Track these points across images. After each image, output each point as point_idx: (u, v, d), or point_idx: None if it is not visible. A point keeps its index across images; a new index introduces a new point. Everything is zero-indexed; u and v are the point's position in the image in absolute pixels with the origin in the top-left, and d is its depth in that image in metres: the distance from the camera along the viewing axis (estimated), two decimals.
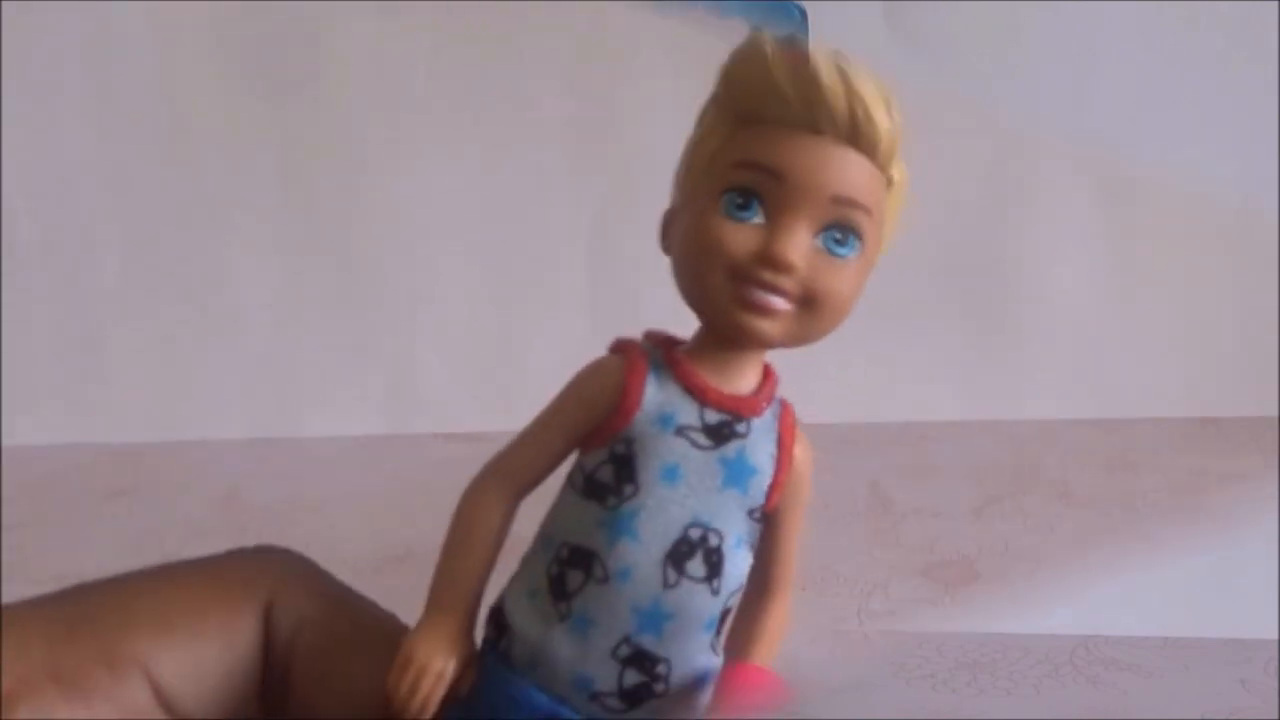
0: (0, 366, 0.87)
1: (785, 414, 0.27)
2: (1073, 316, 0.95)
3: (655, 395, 0.25)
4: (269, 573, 0.27)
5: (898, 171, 0.26)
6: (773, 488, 0.26)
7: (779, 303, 0.25)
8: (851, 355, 0.93)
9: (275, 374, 0.93)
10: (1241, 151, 0.93)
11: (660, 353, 0.26)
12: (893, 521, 0.72)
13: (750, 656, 0.27)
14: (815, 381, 0.92)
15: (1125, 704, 0.51)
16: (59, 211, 0.92)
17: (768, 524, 0.27)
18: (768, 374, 0.27)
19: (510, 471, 0.26)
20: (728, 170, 0.25)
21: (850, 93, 0.24)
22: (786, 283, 0.25)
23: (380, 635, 0.27)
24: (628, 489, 0.25)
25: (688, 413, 0.26)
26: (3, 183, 0.91)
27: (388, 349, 0.93)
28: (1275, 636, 0.56)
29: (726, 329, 0.25)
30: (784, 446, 0.26)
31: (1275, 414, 0.89)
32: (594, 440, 0.26)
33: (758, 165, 0.25)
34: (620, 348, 0.26)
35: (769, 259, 0.24)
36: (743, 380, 0.26)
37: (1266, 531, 0.69)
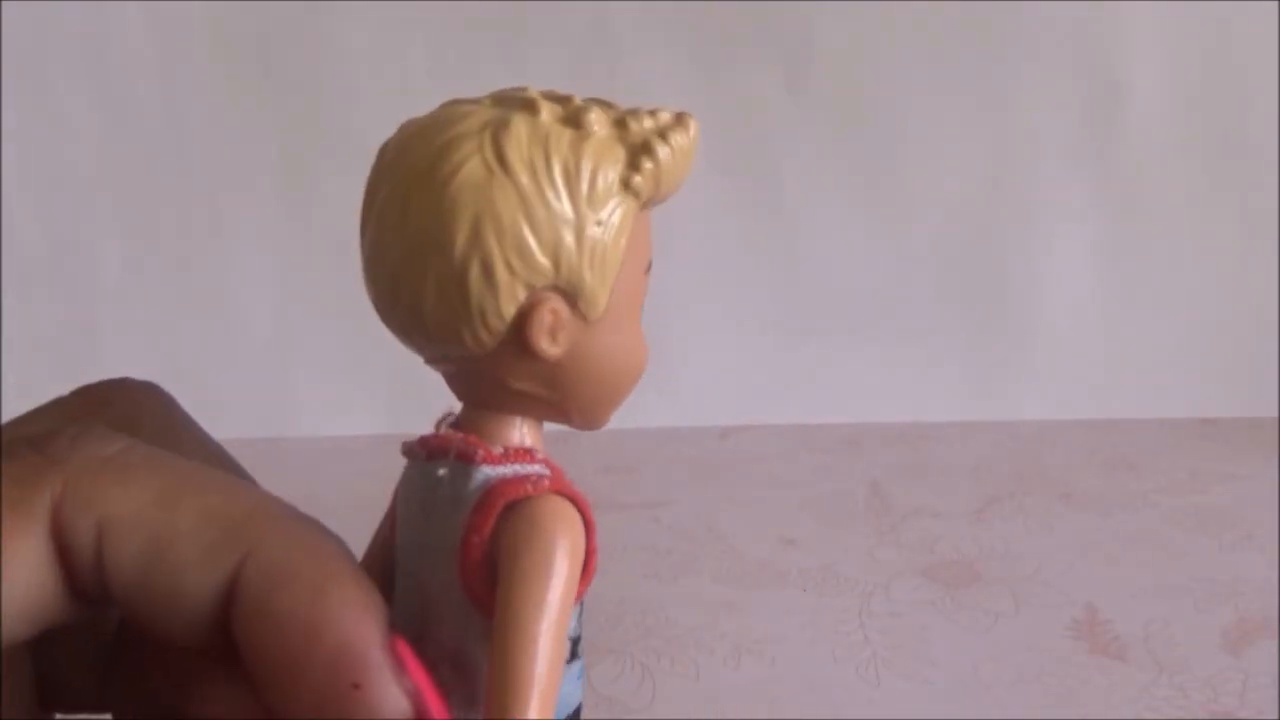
0: (0, 366, 0.87)
1: None
2: (1073, 317, 0.95)
3: None
4: (55, 470, 0.21)
5: None
6: None
7: None
8: (852, 356, 0.93)
9: (275, 374, 0.93)
10: (1240, 151, 0.93)
11: (552, 471, 0.23)
12: (893, 522, 0.72)
13: None
14: (815, 382, 0.92)
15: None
16: (59, 211, 0.92)
17: None
18: None
19: (555, 694, 0.21)
20: (645, 275, 0.23)
21: None
22: None
23: (217, 525, 0.21)
24: (583, 624, 0.23)
25: None
26: (3, 183, 0.91)
27: (388, 349, 0.92)
28: (1274, 632, 0.56)
29: (597, 426, 0.24)
30: None
31: (1275, 414, 0.89)
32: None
33: (650, 263, 0.24)
34: (555, 488, 0.22)
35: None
36: None
37: (1266, 531, 0.69)
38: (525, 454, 0.23)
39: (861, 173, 0.94)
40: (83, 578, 0.21)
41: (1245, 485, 0.77)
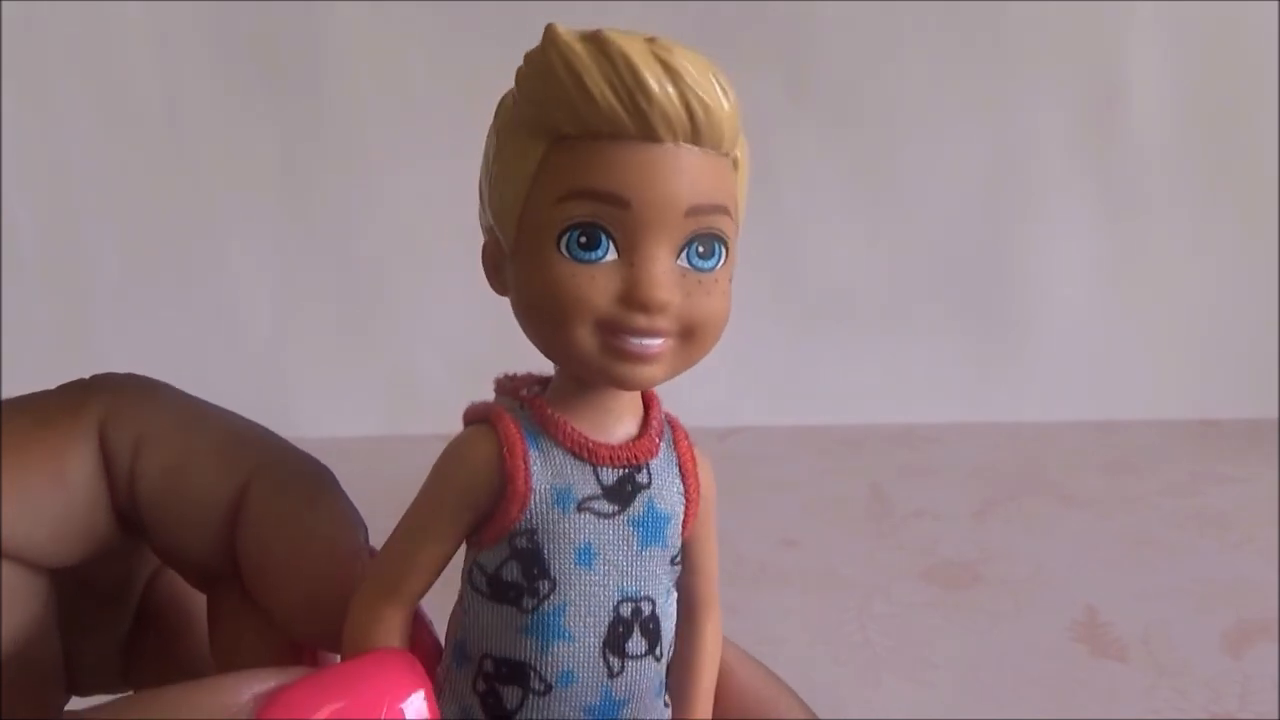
0: (0, 366, 0.87)
1: (678, 438, 0.24)
2: (1073, 318, 0.95)
3: (543, 472, 0.22)
4: (99, 396, 0.25)
5: (740, 148, 0.23)
6: (688, 521, 0.23)
7: (657, 345, 0.22)
8: (852, 357, 0.93)
9: (275, 374, 0.93)
10: (1240, 152, 0.93)
11: (530, 413, 0.23)
12: (894, 524, 0.72)
13: (692, 687, 0.24)
14: (816, 383, 0.92)
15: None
16: (59, 211, 0.92)
17: (684, 548, 0.24)
18: (648, 398, 0.24)
19: (396, 585, 0.22)
20: (557, 205, 0.21)
21: (681, 86, 0.21)
22: (662, 322, 0.21)
23: (231, 446, 0.25)
24: (543, 585, 0.22)
25: (584, 482, 0.22)
26: (3, 183, 0.91)
27: (388, 349, 0.93)
28: (1274, 634, 0.56)
29: (603, 382, 0.22)
30: (689, 476, 0.23)
31: (1275, 416, 0.89)
32: (487, 535, 0.22)
33: (596, 194, 0.21)
34: (483, 415, 0.23)
35: (638, 303, 0.21)
36: (627, 418, 0.23)
37: (1266, 533, 0.69)
38: (510, 385, 0.24)
39: (861, 173, 0.94)
40: (121, 494, 0.25)
41: (1245, 487, 0.77)
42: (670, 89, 0.21)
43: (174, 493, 0.24)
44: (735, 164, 0.22)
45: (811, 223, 0.94)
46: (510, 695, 0.22)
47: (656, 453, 0.23)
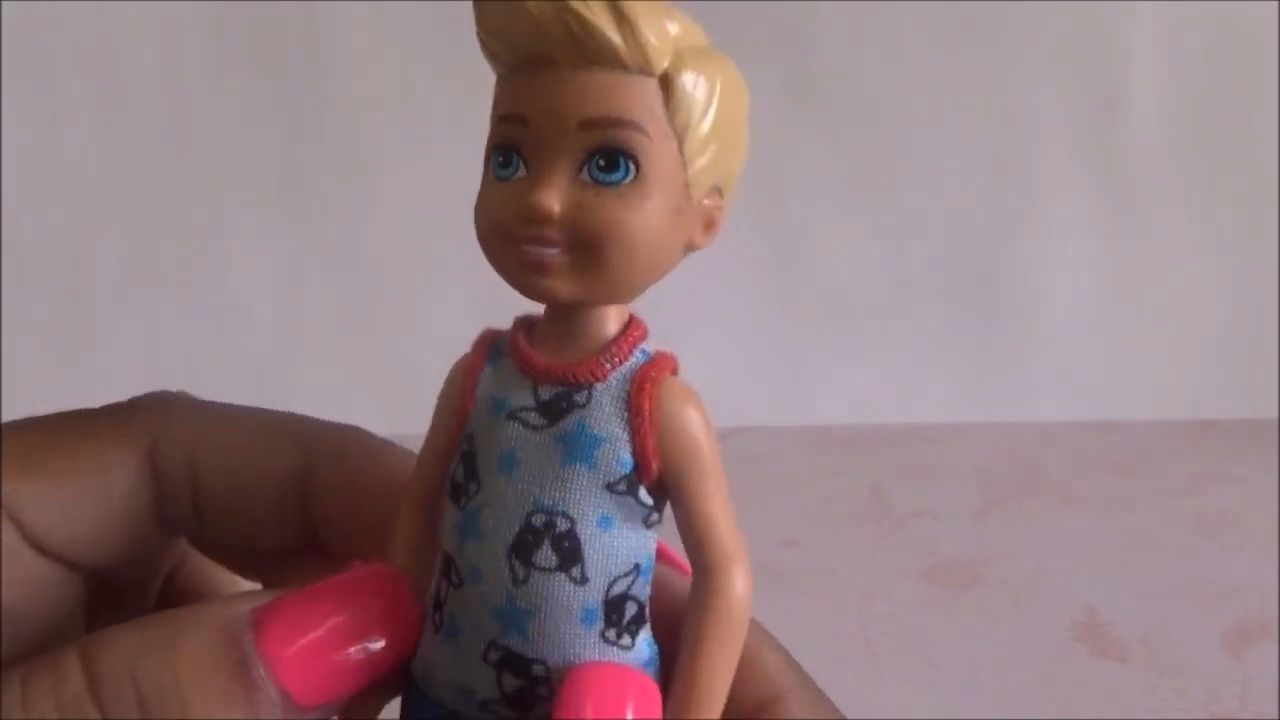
0: (0, 366, 0.87)
1: (643, 370, 0.24)
2: (1074, 319, 0.95)
3: (489, 383, 0.25)
4: (144, 413, 0.27)
5: (689, 71, 0.23)
6: (641, 454, 0.23)
7: (548, 254, 0.23)
8: (852, 357, 0.93)
9: (276, 374, 0.93)
10: (1240, 152, 0.93)
11: (506, 335, 0.25)
12: (894, 524, 0.72)
13: (677, 681, 0.24)
14: (816, 383, 0.92)
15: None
16: (59, 211, 0.92)
17: (671, 498, 0.24)
18: (630, 329, 0.24)
19: (412, 491, 0.26)
20: (491, 132, 0.24)
21: (559, 5, 0.22)
22: (549, 231, 0.22)
23: (279, 435, 0.28)
24: (473, 486, 0.24)
25: (520, 394, 0.24)
26: (3, 183, 0.91)
27: (388, 349, 0.93)
28: (1274, 634, 0.56)
29: (525, 295, 0.24)
30: (635, 408, 0.24)
31: (1275, 416, 0.89)
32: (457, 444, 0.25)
33: (506, 116, 0.23)
34: (478, 338, 0.26)
35: (525, 212, 0.22)
36: (583, 342, 0.24)
37: (1266, 533, 0.69)
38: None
39: (862, 173, 0.94)
40: (178, 503, 0.27)
41: (1245, 487, 0.77)
42: (547, 7, 0.22)
43: (238, 487, 0.27)
44: (667, 83, 0.23)
45: (812, 223, 0.94)
46: (442, 586, 0.24)
47: (603, 378, 0.24)
